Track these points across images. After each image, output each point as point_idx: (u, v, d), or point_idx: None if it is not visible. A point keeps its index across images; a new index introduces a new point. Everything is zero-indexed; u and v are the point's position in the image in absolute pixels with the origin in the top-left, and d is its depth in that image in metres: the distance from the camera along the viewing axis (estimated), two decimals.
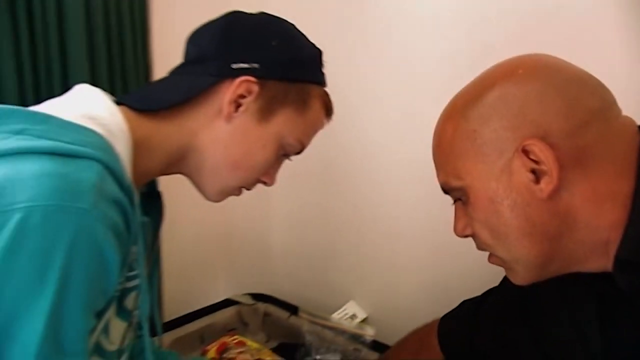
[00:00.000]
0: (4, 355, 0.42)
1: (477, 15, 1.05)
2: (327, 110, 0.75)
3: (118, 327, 0.62)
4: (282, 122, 0.70)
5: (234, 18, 0.70)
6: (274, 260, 1.62)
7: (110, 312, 0.58)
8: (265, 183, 0.75)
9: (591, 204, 0.53)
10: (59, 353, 0.45)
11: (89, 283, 0.47)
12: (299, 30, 0.73)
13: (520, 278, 0.60)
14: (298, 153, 0.75)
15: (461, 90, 0.62)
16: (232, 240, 1.67)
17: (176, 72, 0.71)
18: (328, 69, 0.75)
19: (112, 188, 0.50)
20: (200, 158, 0.68)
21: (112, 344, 0.61)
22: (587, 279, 0.58)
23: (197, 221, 1.51)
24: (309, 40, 0.73)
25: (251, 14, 0.72)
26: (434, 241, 1.15)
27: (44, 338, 0.43)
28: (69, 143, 0.48)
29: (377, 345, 1.13)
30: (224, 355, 1.12)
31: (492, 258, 0.61)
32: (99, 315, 0.54)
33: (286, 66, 0.69)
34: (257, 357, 1.10)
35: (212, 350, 1.15)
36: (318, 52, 0.74)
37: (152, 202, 0.75)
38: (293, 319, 1.30)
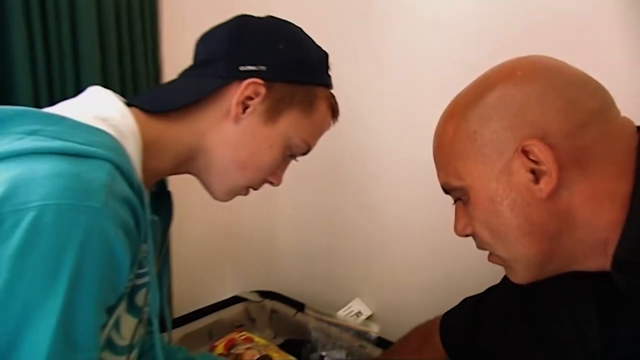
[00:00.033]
0: (17, 351, 0.43)
1: (479, 17, 1.05)
2: (333, 111, 0.76)
3: (129, 323, 0.63)
4: (289, 124, 0.70)
5: (243, 22, 0.71)
6: (281, 259, 1.62)
7: (121, 309, 0.59)
8: (272, 183, 0.75)
9: (591, 204, 0.53)
10: (71, 348, 0.45)
11: (100, 280, 0.48)
12: (305, 34, 0.73)
13: (520, 277, 0.60)
14: (304, 154, 0.75)
15: (461, 92, 0.62)
16: (239, 239, 1.68)
17: (185, 74, 0.72)
18: (333, 71, 0.75)
19: (123, 187, 0.51)
20: (209, 158, 0.69)
21: (123, 340, 0.62)
22: (587, 278, 0.58)
23: (206, 221, 1.52)
24: (315, 43, 0.74)
25: (259, 18, 0.72)
26: (438, 240, 1.15)
27: (56, 334, 0.44)
28: (81, 144, 0.49)
29: (381, 342, 1.13)
30: (232, 351, 1.12)
31: (492, 257, 0.62)
32: (110, 311, 0.55)
33: (293, 69, 0.70)
34: (264, 353, 1.10)
35: (220, 345, 1.15)
36: (324, 55, 0.74)
37: (162, 201, 0.75)
38: (299, 316, 1.31)
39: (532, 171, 0.54)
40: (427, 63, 1.16)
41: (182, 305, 1.38)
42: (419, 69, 1.17)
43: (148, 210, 0.56)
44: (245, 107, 0.68)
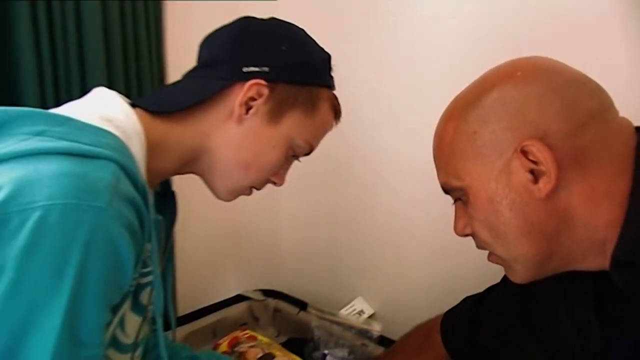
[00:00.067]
0: (23, 349, 0.43)
1: (481, 17, 1.05)
2: (336, 112, 0.76)
3: (133, 321, 0.64)
4: (292, 124, 0.71)
5: (246, 23, 0.72)
6: (284, 258, 1.63)
7: (126, 307, 0.59)
8: (274, 183, 0.76)
9: (589, 203, 0.53)
10: (76, 346, 0.46)
11: (105, 279, 0.48)
12: (308, 35, 0.74)
13: (519, 276, 0.60)
14: (307, 154, 0.76)
15: (461, 92, 0.63)
16: (243, 238, 1.68)
17: (189, 75, 0.72)
18: (335, 72, 0.76)
19: (127, 187, 0.51)
20: (213, 159, 0.70)
21: (127, 338, 0.63)
22: (586, 277, 0.58)
23: (210, 220, 1.52)
24: (318, 45, 0.74)
25: (262, 19, 0.73)
26: (440, 239, 1.15)
27: (62, 332, 0.44)
28: (86, 144, 0.50)
29: (383, 341, 1.14)
30: (236, 349, 1.12)
31: (492, 257, 0.62)
32: (115, 309, 0.56)
33: (296, 70, 0.70)
34: (267, 351, 1.10)
35: (224, 344, 1.15)
36: (327, 56, 0.75)
37: (166, 201, 0.76)
38: (302, 315, 1.31)
39: (531, 171, 0.54)
40: (429, 63, 1.16)
41: (186, 303, 1.39)
42: (421, 69, 1.17)
43: (152, 210, 0.57)
44: (249, 108, 0.68)
